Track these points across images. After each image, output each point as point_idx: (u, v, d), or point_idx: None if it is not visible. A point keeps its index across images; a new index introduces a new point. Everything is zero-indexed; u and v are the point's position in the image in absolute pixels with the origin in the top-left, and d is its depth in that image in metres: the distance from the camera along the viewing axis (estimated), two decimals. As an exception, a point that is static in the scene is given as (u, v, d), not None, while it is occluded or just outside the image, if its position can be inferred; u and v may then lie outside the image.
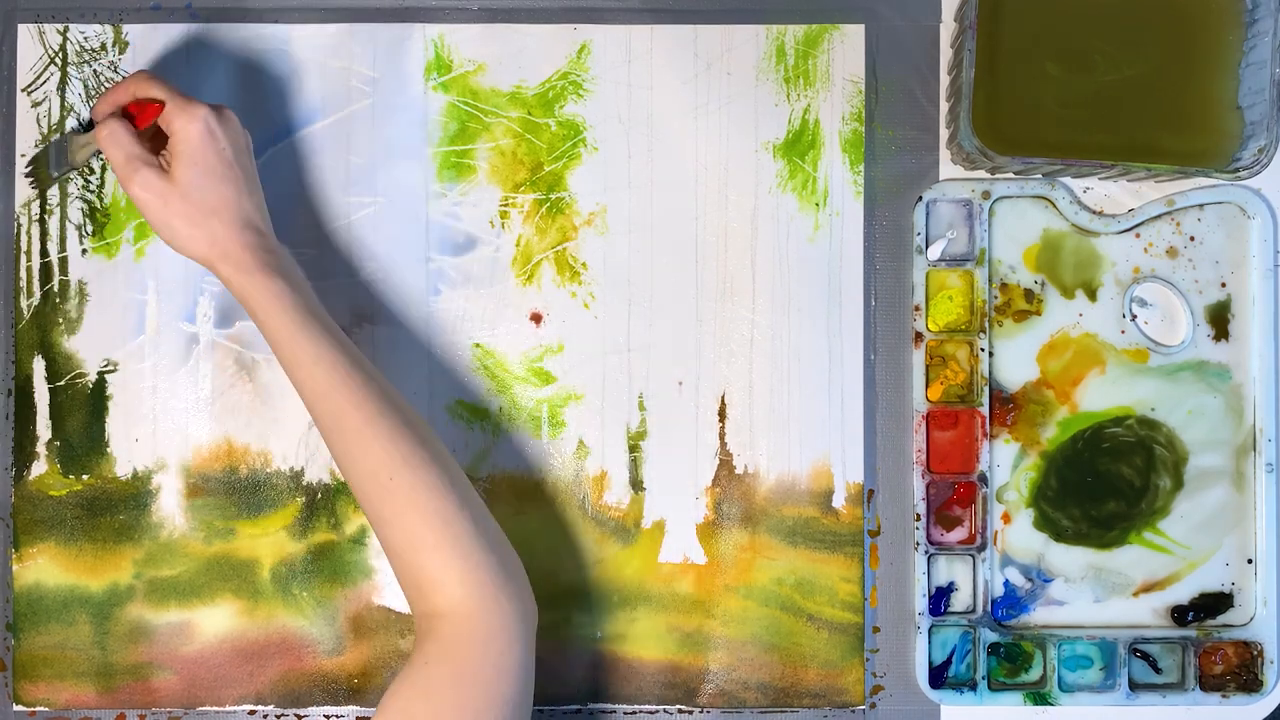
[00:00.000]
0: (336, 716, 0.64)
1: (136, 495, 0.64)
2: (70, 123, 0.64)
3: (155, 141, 0.59)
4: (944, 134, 0.65)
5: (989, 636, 0.64)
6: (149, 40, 0.64)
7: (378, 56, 0.65)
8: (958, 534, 0.64)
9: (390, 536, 0.55)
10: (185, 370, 0.65)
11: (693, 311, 0.65)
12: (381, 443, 0.55)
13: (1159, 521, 0.65)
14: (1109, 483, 0.65)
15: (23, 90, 0.64)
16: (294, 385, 0.57)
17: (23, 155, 0.64)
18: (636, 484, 0.65)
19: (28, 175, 0.63)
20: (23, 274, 0.64)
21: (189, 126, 0.56)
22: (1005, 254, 0.65)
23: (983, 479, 0.64)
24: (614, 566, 0.65)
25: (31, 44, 0.64)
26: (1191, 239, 0.65)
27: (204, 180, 0.56)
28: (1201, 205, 0.65)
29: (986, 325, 0.64)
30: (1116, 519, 0.65)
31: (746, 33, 0.65)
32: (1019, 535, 0.65)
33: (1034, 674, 0.64)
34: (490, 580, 0.54)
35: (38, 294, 0.64)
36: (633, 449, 0.65)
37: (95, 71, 0.64)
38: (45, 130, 0.64)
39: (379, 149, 0.65)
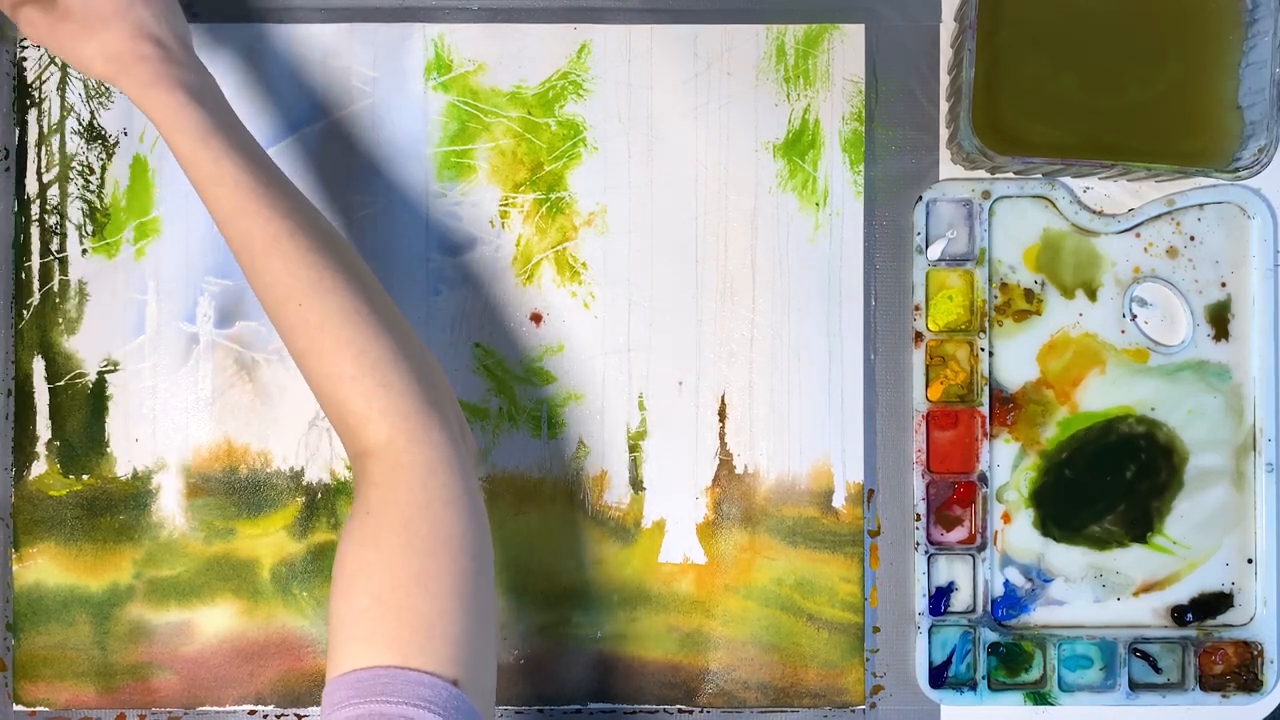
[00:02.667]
0: (336, 716, 0.64)
1: (136, 495, 0.64)
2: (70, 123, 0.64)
3: None
4: (944, 134, 0.65)
5: (989, 636, 0.64)
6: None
7: (378, 56, 0.65)
8: (958, 534, 0.64)
9: (309, 369, 0.51)
10: (185, 370, 0.65)
11: (693, 311, 0.65)
12: (290, 266, 0.50)
13: (1159, 521, 0.65)
14: (1109, 483, 0.65)
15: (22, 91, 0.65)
16: (203, 202, 0.53)
17: None
18: (636, 484, 0.65)
19: None
20: (23, 274, 0.64)
21: None
22: (1005, 254, 0.65)
23: (983, 479, 0.64)
24: (614, 566, 0.65)
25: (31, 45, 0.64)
26: (1191, 239, 0.65)
27: None
28: (1201, 205, 0.65)
29: (986, 325, 0.64)
30: (1116, 519, 0.65)
31: (746, 33, 0.65)
32: (1019, 535, 0.65)
33: (1034, 674, 0.64)
34: (417, 410, 0.49)
35: (37, 294, 0.64)
36: (633, 449, 0.65)
37: (95, 71, 0.65)
38: (45, 130, 0.64)
39: (379, 149, 0.65)
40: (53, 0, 0.55)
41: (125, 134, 0.65)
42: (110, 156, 0.65)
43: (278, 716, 0.64)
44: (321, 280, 0.51)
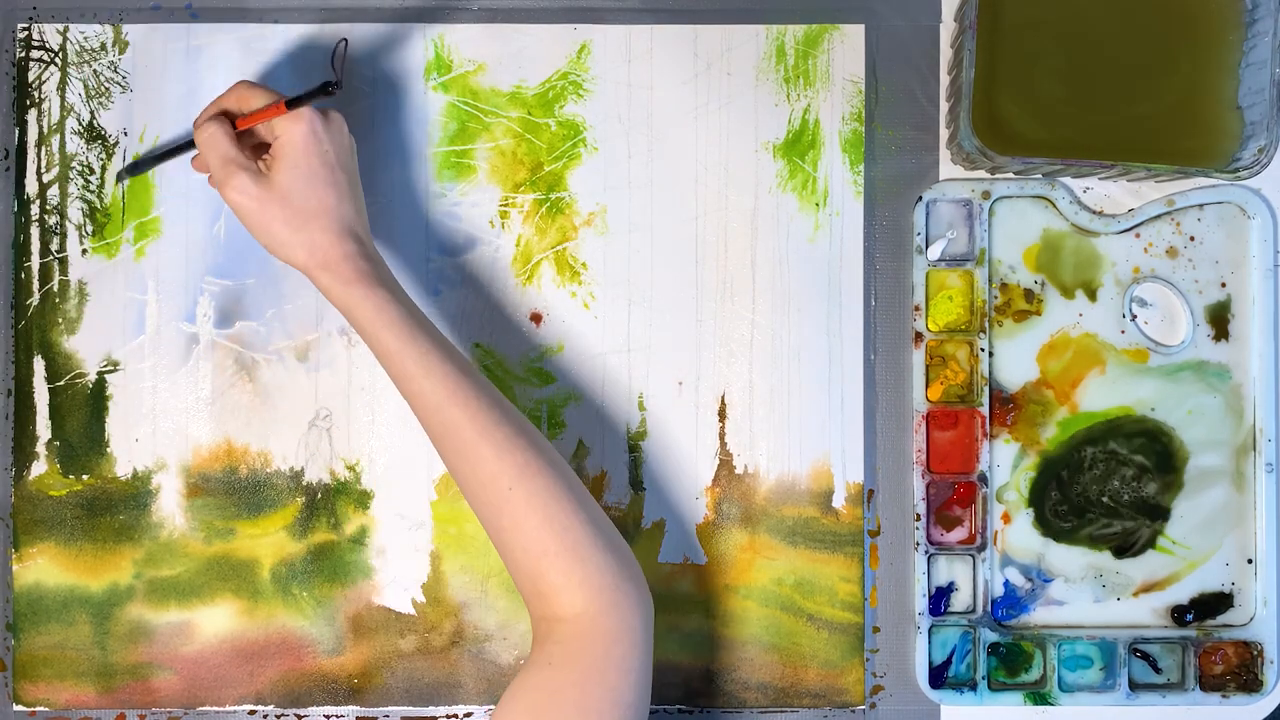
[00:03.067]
0: (336, 716, 0.64)
1: (136, 495, 0.64)
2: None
3: (256, 151, 0.58)
4: (944, 134, 0.65)
5: (989, 636, 0.64)
6: (149, 40, 0.64)
7: (378, 56, 0.65)
8: (958, 534, 0.64)
9: (509, 544, 0.54)
10: (185, 370, 0.65)
11: (693, 311, 0.65)
12: (498, 452, 0.54)
13: (1159, 521, 0.65)
14: (1109, 483, 0.65)
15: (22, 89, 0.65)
16: (403, 396, 0.56)
17: (120, 171, 0.64)
18: (636, 484, 0.65)
19: (118, 177, 0.64)
20: (23, 274, 0.64)
21: (293, 128, 0.55)
22: (1005, 254, 0.65)
23: (983, 479, 0.64)
24: (614, 566, 0.65)
25: (31, 44, 0.64)
26: (1191, 239, 0.65)
27: (304, 185, 0.55)
28: (1201, 205, 0.65)
29: (986, 325, 0.64)
30: (1116, 520, 0.65)
31: (746, 33, 0.65)
32: (1019, 535, 0.65)
33: (1034, 674, 0.64)
34: (611, 583, 0.54)
35: (37, 294, 0.64)
36: (633, 449, 0.65)
37: (95, 71, 0.64)
38: (45, 130, 0.64)
39: (379, 149, 0.65)
40: (268, 178, 0.55)
41: (125, 134, 0.65)
42: (110, 156, 0.65)
43: (278, 716, 0.64)
44: (529, 464, 0.54)
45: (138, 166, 0.63)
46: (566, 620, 0.53)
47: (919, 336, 0.64)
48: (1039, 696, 0.64)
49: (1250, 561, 0.65)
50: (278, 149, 0.56)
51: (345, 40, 0.57)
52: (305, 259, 0.55)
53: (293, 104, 0.55)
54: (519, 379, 0.65)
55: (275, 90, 0.57)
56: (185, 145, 0.61)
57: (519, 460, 0.54)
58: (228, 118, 0.57)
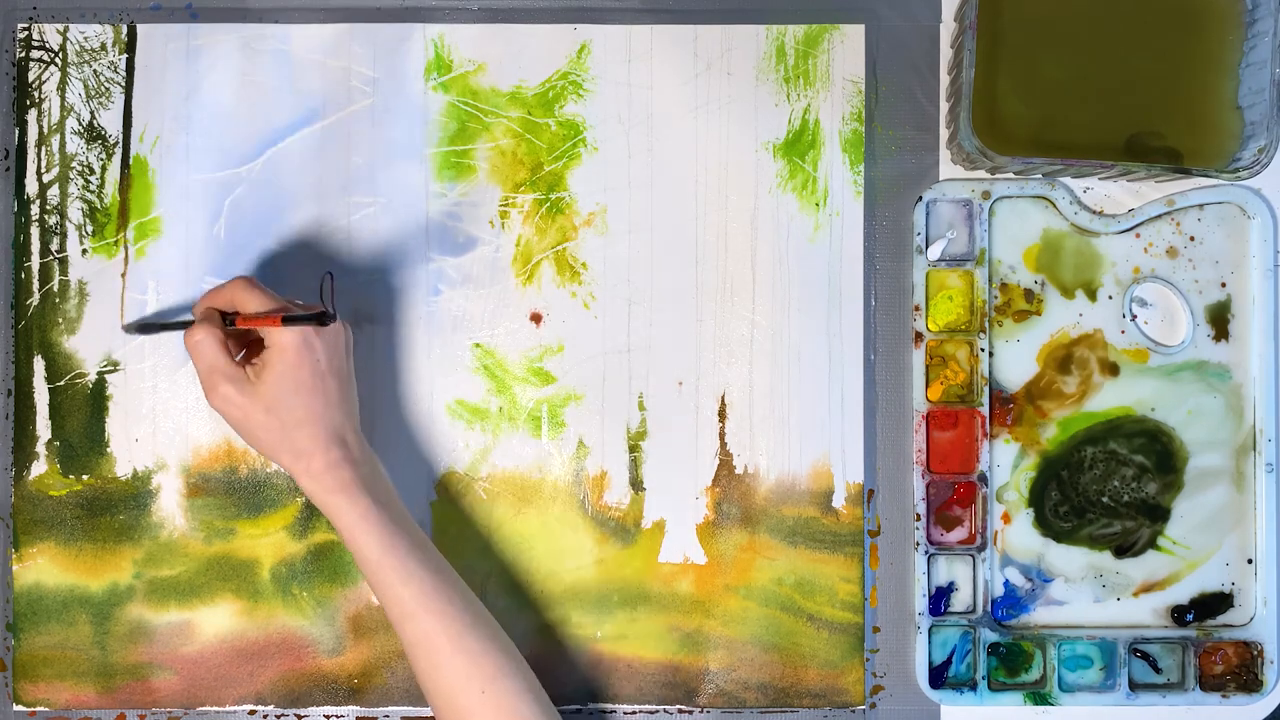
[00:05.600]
0: (336, 716, 0.64)
1: (136, 495, 0.64)
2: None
3: (249, 348, 0.58)
4: (944, 134, 0.65)
5: (989, 636, 0.64)
6: (149, 40, 0.64)
7: (378, 56, 0.65)
8: (958, 534, 0.64)
9: None
10: (185, 370, 0.64)
11: (693, 311, 0.65)
12: (473, 658, 0.56)
13: (1159, 522, 0.65)
14: (1109, 483, 0.65)
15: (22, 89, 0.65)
16: (379, 599, 0.57)
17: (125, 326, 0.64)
18: (636, 484, 0.65)
19: (125, 329, 0.64)
20: (23, 274, 0.64)
21: (284, 338, 0.56)
22: (1005, 254, 0.65)
23: (983, 479, 0.64)
24: (614, 566, 0.65)
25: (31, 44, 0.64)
26: (1191, 239, 0.65)
27: (291, 394, 0.56)
28: (1201, 205, 0.65)
29: (986, 325, 0.64)
30: (1116, 520, 0.65)
31: (746, 33, 0.65)
32: (1019, 535, 0.65)
33: (1034, 674, 0.64)
34: None
35: (37, 294, 0.64)
36: (633, 449, 0.65)
37: (95, 71, 0.64)
38: (45, 130, 0.64)
39: (379, 149, 0.65)
40: (255, 387, 0.56)
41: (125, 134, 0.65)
42: (110, 156, 0.65)
43: (278, 716, 0.64)
44: (500, 669, 0.56)
45: (146, 328, 0.63)
46: None
47: (919, 336, 0.64)
48: (1039, 696, 0.64)
49: (1250, 561, 0.65)
50: (268, 357, 0.56)
51: (330, 274, 0.58)
52: (289, 464, 0.56)
53: (288, 321, 0.55)
54: (519, 379, 0.65)
55: (273, 295, 0.57)
56: (178, 326, 0.61)
57: (491, 665, 0.56)
58: (221, 315, 0.57)
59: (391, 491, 0.58)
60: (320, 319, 0.55)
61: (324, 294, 0.57)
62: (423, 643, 0.56)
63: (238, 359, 0.57)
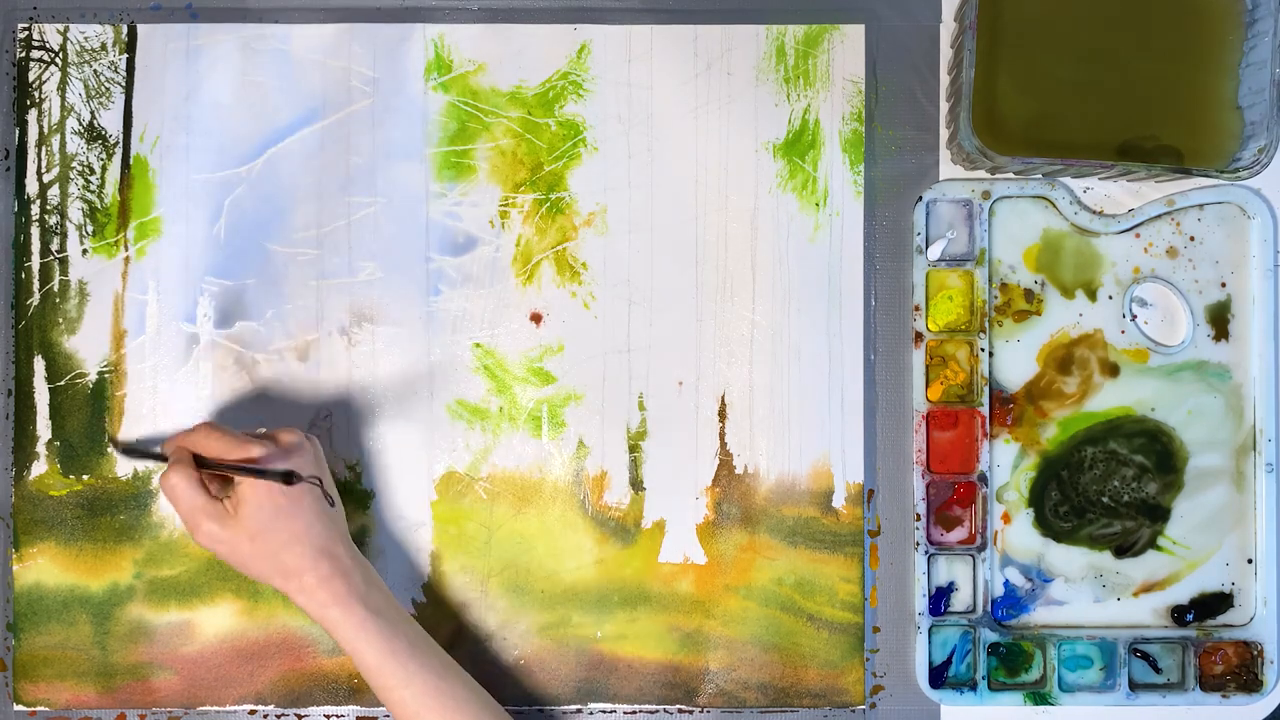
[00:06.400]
0: (336, 716, 0.65)
1: (136, 495, 0.64)
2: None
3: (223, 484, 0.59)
4: (944, 134, 0.65)
5: (989, 636, 0.64)
6: (149, 40, 0.64)
7: (378, 56, 0.65)
8: (958, 534, 0.64)
9: None
10: (185, 370, 0.65)
11: (693, 311, 0.65)
12: None
13: (1159, 522, 0.65)
14: (1109, 483, 0.65)
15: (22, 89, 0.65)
16: (381, 701, 0.58)
17: (110, 441, 0.64)
18: (636, 484, 0.65)
19: (115, 445, 0.64)
20: (23, 274, 0.64)
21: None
22: (1005, 254, 0.65)
23: (983, 479, 0.64)
24: (614, 566, 0.65)
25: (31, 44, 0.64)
26: (1191, 239, 0.65)
27: (270, 521, 0.56)
28: (1201, 205, 0.65)
29: (986, 325, 0.64)
30: (1116, 520, 0.65)
31: (746, 33, 0.65)
32: (1019, 535, 0.65)
33: (1034, 674, 0.64)
34: None
35: (37, 294, 0.64)
36: (633, 449, 0.65)
37: (95, 71, 0.65)
38: (45, 130, 0.64)
39: (379, 149, 0.65)
40: (235, 519, 0.56)
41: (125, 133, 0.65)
42: (110, 156, 0.65)
43: (278, 716, 0.64)
44: None
45: (131, 451, 0.64)
46: None
47: (919, 336, 0.64)
48: (1039, 696, 0.64)
49: (1250, 561, 0.65)
50: (241, 491, 0.56)
51: (330, 413, 0.60)
52: (282, 585, 0.57)
53: (257, 474, 0.55)
54: (519, 379, 0.65)
55: (239, 436, 0.57)
56: (156, 458, 0.62)
57: None
58: (193, 457, 0.57)
59: (387, 595, 0.59)
60: (286, 478, 0.54)
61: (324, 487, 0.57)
62: None
63: (216, 493, 0.57)
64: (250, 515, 0.56)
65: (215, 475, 0.58)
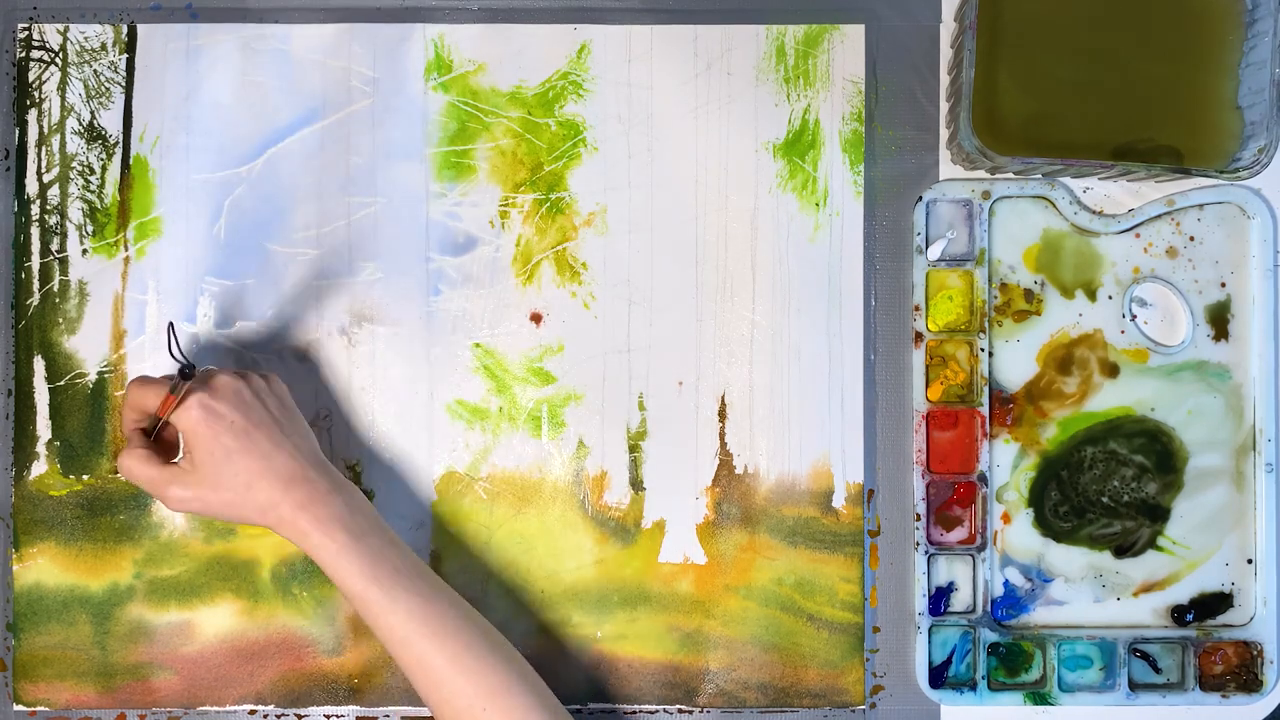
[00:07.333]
0: (336, 716, 0.64)
1: (136, 495, 0.64)
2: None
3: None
4: (944, 134, 0.65)
5: (989, 636, 0.64)
6: (149, 40, 0.64)
7: (378, 56, 0.65)
8: (958, 534, 0.64)
9: None
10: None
11: (693, 311, 0.65)
12: (470, 677, 0.55)
13: (1159, 522, 0.65)
14: (1109, 483, 0.65)
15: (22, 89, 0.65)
16: (371, 630, 0.57)
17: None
18: (636, 484, 0.65)
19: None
20: (23, 274, 0.64)
21: (185, 418, 0.56)
22: (1005, 254, 0.65)
23: (983, 479, 0.64)
24: (614, 566, 0.65)
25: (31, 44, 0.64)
26: (1191, 239, 0.65)
27: (224, 464, 0.55)
28: (1201, 205, 0.65)
29: (986, 325, 0.64)
30: (1116, 520, 0.65)
31: (746, 33, 0.65)
32: (1019, 535, 0.65)
33: (1034, 674, 0.64)
34: None
35: (37, 294, 0.64)
36: (633, 449, 0.65)
37: (95, 71, 0.65)
38: (45, 130, 0.64)
39: (379, 149, 0.65)
40: (194, 473, 0.56)
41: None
42: (110, 156, 0.65)
43: (278, 716, 0.64)
44: (500, 684, 0.55)
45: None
46: None
47: (919, 336, 0.64)
48: (1039, 696, 0.64)
49: (1250, 561, 0.65)
50: (187, 443, 0.56)
51: (171, 323, 0.59)
52: (260, 520, 0.56)
53: (175, 390, 0.55)
54: (519, 379, 0.65)
55: (164, 378, 0.57)
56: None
57: (492, 682, 0.55)
58: (141, 431, 0.58)
59: (374, 520, 0.58)
60: (183, 374, 0.54)
61: (172, 347, 0.57)
62: (418, 667, 0.56)
63: (177, 460, 0.58)
64: (203, 465, 0.56)
65: (175, 444, 0.58)
